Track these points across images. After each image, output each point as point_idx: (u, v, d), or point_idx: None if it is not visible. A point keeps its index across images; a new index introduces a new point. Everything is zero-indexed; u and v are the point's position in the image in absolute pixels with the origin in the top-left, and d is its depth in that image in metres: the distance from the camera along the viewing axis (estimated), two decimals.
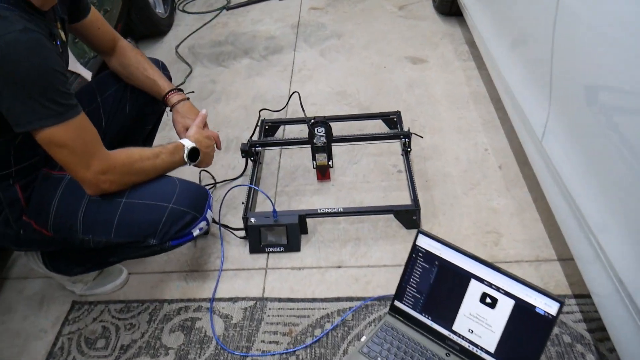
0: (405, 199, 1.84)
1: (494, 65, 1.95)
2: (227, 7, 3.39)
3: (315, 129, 1.88)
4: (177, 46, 3.01)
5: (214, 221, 1.79)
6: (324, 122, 1.88)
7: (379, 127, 2.21)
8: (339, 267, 1.66)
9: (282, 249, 1.71)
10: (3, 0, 1.09)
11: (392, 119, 2.15)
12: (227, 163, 2.11)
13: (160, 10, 3.09)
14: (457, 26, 2.93)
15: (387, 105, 2.34)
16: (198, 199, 1.40)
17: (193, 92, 2.00)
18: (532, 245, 1.66)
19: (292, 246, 1.71)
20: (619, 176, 1.12)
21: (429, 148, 2.08)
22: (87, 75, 2.26)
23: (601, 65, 1.15)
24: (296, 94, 1.95)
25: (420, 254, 1.38)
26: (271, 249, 1.72)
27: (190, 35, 3.11)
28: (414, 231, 1.72)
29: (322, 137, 1.87)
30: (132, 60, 1.60)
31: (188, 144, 1.46)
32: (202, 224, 1.39)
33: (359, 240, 1.74)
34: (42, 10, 1.19)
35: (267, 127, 2.18)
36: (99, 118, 1.60)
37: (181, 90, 1.66)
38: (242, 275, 1.66)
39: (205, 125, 1.62)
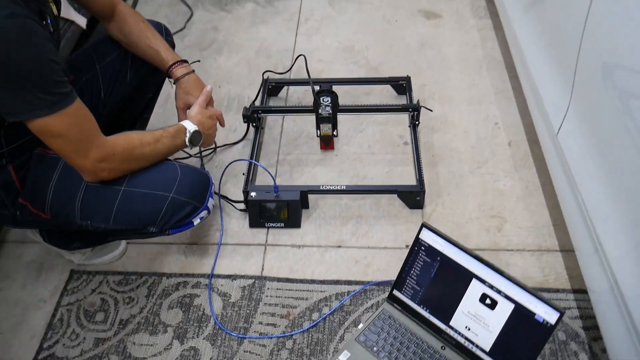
0: (410, 176, 1.80)
1: (513, 39, 1.85)
2: None
3: (321, 98, 1.80)
4: None
5: (215, 193, 1.75)
6: (331, 91, 1.80)
7: (387, 91, 2.13)
8: (339, 246, 1.65)
9: (282, 224, 1.69)
10: None
11: (401, 85, 2.07)
12: (228, 125, 2.04)
13: None
14: None
15: (397, 67, 2.24)
16: (199, 187, 1.35)
17: (199, 61, 1.89)
18: (535, 233, 1.64)
19: (293, 223, 1.69)
20: (631, 179, 1.08)
21: (438, 118, 2.01)
22: (82, 22, 2.14)
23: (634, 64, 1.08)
24: (302, 57, 1.86)
25: (423, 248, 1.36)
26: (271, 224, 1.69)
27: None
28: (418, 211, 1.71)
29: (327, 107, 1.79)
30: (134, 28, 1.48)
31: (190, 126, 1.39)
32: (204, 214, 1.36)
33: (361, 218, 1.71)
34: None
35: (270, 86, 2.09)
36: (97, 87, 1.52)
37: (186, 61, 1.56)
38: (241, 251, 1.65)
39: (210, 101, 1.54)
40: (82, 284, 1.60)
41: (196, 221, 1.35)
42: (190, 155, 1.88)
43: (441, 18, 2.51)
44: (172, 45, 1.64)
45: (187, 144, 1.39)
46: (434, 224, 1.67)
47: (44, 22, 1.11)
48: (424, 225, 1.36)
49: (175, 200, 1.30)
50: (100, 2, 1.44)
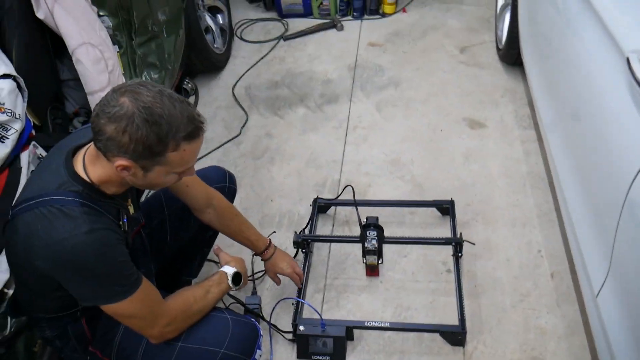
0: (452, 309, 1.85)
1: (555, 173, 1.90)
2: (285, 37, 3.36)
3: (367, 232, 1.89)
4: (234, 86, 3.02)
5: (263, 319, 1.87)
6: (377, 225, 1.89)
7: (431, 211, 2.20)
8: None
9: (328, 358, 1.78)
10: (71, 189, 1.16)
11: (445, 208, 2.14)
12: (279, 243, 2.14)
13: (218, 45, 3.09)
14: (520, 80, 2.83)
15: (441, 183, 2.32)
16: (249, 342, 1.46)
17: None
18: None
19: (337, 356, 1.77)
20: None
21: (481, 243, 2.07)
22: None
23: None
24: (348, 188, 2.00)
25: None
26: (317, 357, 1.78)
27: (246, 72, 3.11)
28: (459, 348, 1.76)
29: (373, 240, 1.89)
30: (231, 223, 1.71)
31: (230, 270, 1.53)
32: None
33: (403, 354, 1.78)
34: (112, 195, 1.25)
35: (320, 205, 2.21)
36: (165, 232, 1.68)
37: (270, 241, 1.83)
38: None
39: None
40: None
41: None
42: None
43: (485, 128, 2.58)
44: (234, 191, 1.82)
45: (231, 285, 1.53)
46: None
47: (120, 222, 1.26)
48: None
49: (225, 356, 1.41)
50: (191, 195, 1.60)
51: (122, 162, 1.11)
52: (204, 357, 1.40)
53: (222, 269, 1.54)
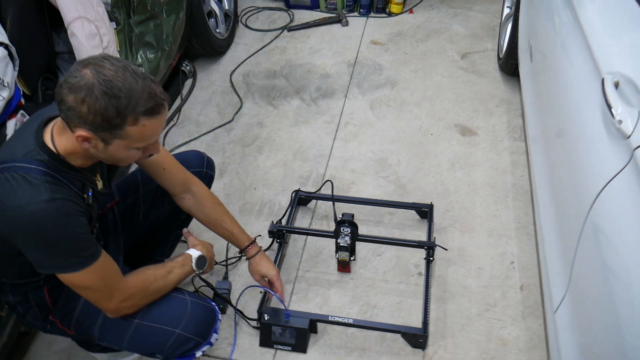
0: (418, 312, 1.87)
1: (534, 187, 1.91)
2: (289, 28, 3.37)
3: (341, 228, 1.91)
4: (232, 72, 3.03)
5: (230, 304, 1.89)
6: (352, 222, 1.91)
7: (410, 213, 2.21)
8: None
9: (289, 348, 1.80)
10: (36, 157, 1.18)
11: (424, 211, 2.16)
12: (257, 230, 2.17)
13: (220, 30, 3.10)
14: (517, 91, 2.82)
15: (424, 186, 2.33)
16: (205, 324, 1.49)
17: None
18: None
19: (299, 347, 1.79)
20: None
21: (455, 250, 2.08)
22: None
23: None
24: (328, 183, 2.01)
25: None
26: (279, 347, 1.81)
27: (246, 59, 3.13)
28: (420, 351, 1.78)
29: (346, 237, 1.90)
30: (211, 212, 1.70)
31: (195, 253, 1.55)
32: (206, 348, 1.49)
33: (364, 351, 1.80)
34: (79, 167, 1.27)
35: (301, 197, 2.23)
36: (137, 210, 1.70)
37: (254, 240, 1.81)
38: None
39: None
40: None
41: (198, 354, 1.49)
42: (217, 263, 2.02)
43: (476, 135, 2.59)
44: (212, 177, 1.82)
45: (195, 269, 1.54)
46: None
47: (85, 195, 1.28)
48: None
49: (180, 336, 1.44)
50: (168, 179, 1.61)
51: (82, 132, 1.13)
52: (159, 336, 1.42)
53: (188, 251, 1.57)
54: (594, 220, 1.24)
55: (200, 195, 1.68)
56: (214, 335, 1.51)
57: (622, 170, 1.14)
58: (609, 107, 1.21)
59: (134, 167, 2.21)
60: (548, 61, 1.93)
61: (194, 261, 1.54)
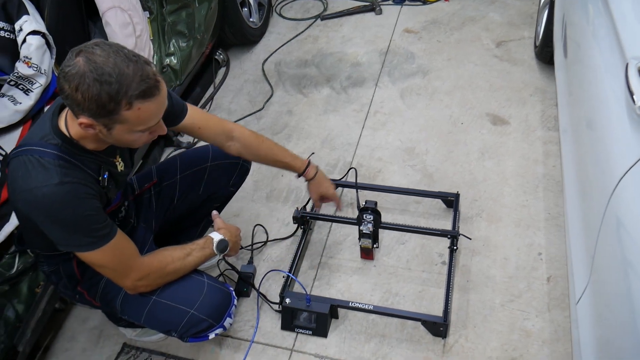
0: (439, 301, 1.87)
1: (564, 177, 1.86)
2: (322, 17, 3.37)
3: (364, 215, 1.92)
4: (264, 61, 3.07)
5: (253, 287, 1.94)
6: (374, 209, 1.91)
7: (437, 202, 2.20)
8: None
9: (310, 332, 1.83)
10: (51, 141, 1.24)
11: (450, 200, 2.14)
12: (283, 217, 2.21)
13: (253, 19, 3.14)
14: (552, 80, 2.74)
15: (452, 176, 2.31)
16: (219, 307, 1.53)
17: (313, 153, 2.09)
18: None
19: (320, 332, 1.82)
20: None
21: (481, 240, 2.06)
22: None
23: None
24: (353, 169, 2.02)
25: None
26: (300, 330, 1.84)
27: (279, 48, 3.16)
28: (440, 340, 1.78)
29: (369, 224, 1.91)
30: (261, 153, 1.75)
31: (217, 237, 1.58)
32: (219, 331, 1.54)
33: (384, 338, 1.81)
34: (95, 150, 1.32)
35: None
36: (172, 194, 1.77)
37: (309, 161, 1.83)
38: (269, 352, 1.81)
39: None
40: (131, 358, 1.83)
41: (211, 336, 1.53)
42: (243, 247, 2.07)
43: (508, 125, 2.53)
44: (247, 171, 1.92)
45: (216, 252, 1.57)
46: (453, 357, 1.75)
47: (100, 178, 1.34)
48: None
49: (194, 317, 1.49)
50: (207, 135, 1.65)
51: (83, 119, 1.17)
52: (174, 314, 1.48)
53: (211, 234, 1.60)
54: (613, 209, 1.21)
55: (243, 139, 1.71)
56: (228, 320, 1.55)
57: None
58: (631, 93, 1.17)
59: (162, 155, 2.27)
60: (579, 49, 1.88)
61: (214, 244, 1.58)
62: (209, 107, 2.80)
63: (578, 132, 1.72)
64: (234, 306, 1.57)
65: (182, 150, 2.54)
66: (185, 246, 1.53)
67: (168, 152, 2.56)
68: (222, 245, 1.59)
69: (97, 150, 1.32)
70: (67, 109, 1.29)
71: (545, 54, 2.75)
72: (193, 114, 1.60)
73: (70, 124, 1.27)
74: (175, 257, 1.48)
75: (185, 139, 2.62)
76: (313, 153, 2.08)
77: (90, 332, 1.93)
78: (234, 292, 1.59)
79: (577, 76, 1.86)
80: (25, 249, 1.61)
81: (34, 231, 1.34)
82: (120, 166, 1.44)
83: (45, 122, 1.28)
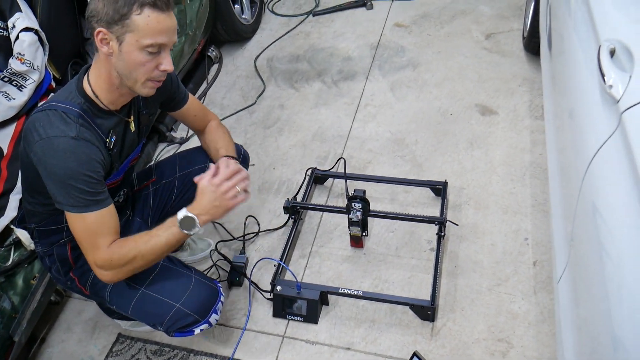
0: (428, 287, 1.90)
1: (547, 163, 1.90)
2: (314, 13, 3.41)
3: (353, 203, 1.95)
4: (257, 57, 3.11)
5: (245, 276, 1.97)
6: (363, 198, 1.95)
7: (426, 191, 2.24)
8: (349, 349, 1.79)
9: (301, 319, 1.87)
10: (75, 100, 1.34)
11: (438, 189, 2.17)
12: (274, 208, 2.25)
13: (246, 16, 3.18)
14: (540, 70, 2.78)
15: (440, 165, 2.35)
16: (205, 303, 1.55)
17: (253, 164, 2.11)
18: None
19: (310, 318, 1.86)
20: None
21: (468, 226, 2.10)
22: None
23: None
24: (342, 160, 2.05)
25: None
26: (291, 317, 1.87)
27: (271, 44, 3.19)
28: (429, 323, 1.82)
29: (357, 213, 1.95)
30: (212, 137, 1.75)
31: (180, 214, 1.42)
32: (204, 326, 1.56)
33: (374, 323, 1.85)
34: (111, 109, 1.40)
35: (317, 176, 2.28)
36: (171, 192, 1.81)
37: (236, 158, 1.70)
38: (261, 339, 1.85)
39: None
40: (125, 348, 1.87)
41: (196, 331, 1.56)
42: (235, 238, 2.11)
43: (496, 115, 2.57)
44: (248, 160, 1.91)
45: (181, 229, 1.42)
46: (441, 339, 1.78)
47: (107, 140, 1.40)
48: (415, 355, 1.48)
49: (179, 311, 1.52)
50: (197, 123, 1.76)
51: (100, 28, 1.26)
52: (161, 307, 1.52)
53: (178, 212, 1.44)
54: (586, 190, 1.25)
55: (211, 126, 1.78)
56: (214, 316, 1.57)
57: (611, 135, 1.14)
58: (602, 74, 1.21)
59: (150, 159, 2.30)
60: (562, 40, 1.91)
61: (178, 221, 1.41)
62: (202, 103, 2.84)
63: (559, 120, 1.75)
64: (220, 302, 1.59)
65: (176, 145, 2.59)
66: (151, 230, 1.44)
67: (161, 148, 2.60)
68: (188, 222, 1.41)
69: (116, 110, 1.41)
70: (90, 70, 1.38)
71: (532, 44, 2.79)
72: (192, 101, 1.73)
73: (92, 80, 1.36)
74: (139, 241, 1.40)
75: (178, 134, 2.66)
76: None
77: (86, 324, 1.97)
78: (221, 289, 1.61)
79: (558, 66, 1.89)
80: (25, 226, 1.63)
81: (38, 191, 1.40)
82: (132, 126, 1.50)
83: (72, 84, 1.39)
